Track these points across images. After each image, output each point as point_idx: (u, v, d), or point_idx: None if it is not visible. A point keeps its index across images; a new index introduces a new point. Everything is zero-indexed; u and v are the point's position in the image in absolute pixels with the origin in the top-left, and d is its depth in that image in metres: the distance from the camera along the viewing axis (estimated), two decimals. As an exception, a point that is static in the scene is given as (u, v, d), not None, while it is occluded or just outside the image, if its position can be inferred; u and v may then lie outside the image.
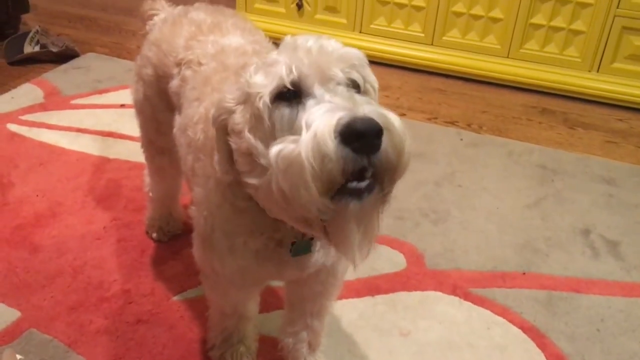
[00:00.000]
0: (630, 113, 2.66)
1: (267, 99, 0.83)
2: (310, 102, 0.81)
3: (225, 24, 1.28)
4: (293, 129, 0.81)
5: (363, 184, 0.77)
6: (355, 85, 0.85)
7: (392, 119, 0.78)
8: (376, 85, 0.90)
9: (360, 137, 0.73)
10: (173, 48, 1.27)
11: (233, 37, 1.24)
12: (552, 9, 2.66)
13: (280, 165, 0.78)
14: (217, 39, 1.22)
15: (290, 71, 0.82)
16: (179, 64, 1.23)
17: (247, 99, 0.87)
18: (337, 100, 0.79)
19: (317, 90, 0.82)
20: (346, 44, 2.76)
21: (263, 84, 0.85)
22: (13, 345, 1.39)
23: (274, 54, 0.88)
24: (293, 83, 0.82)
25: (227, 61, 1.15)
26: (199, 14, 1.34)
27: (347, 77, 0.84)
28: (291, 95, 0.83)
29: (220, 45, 1.20)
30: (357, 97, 0.82)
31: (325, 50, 0.84)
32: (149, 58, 1.36)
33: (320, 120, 0.75)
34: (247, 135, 0.86)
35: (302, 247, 1.02)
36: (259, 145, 0.84)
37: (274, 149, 0.79)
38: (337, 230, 0.81)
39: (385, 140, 0.76)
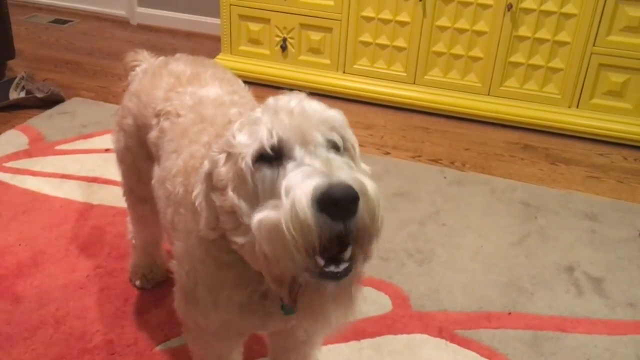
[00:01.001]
0: (610, 147, 2.70)
1: (249, 160, 0.86)
2: (290, 165, 0.83)
3: (205, 75, 1.30)
4: (274, 191, 0.83)
5: (341, 267, 0.80)
6: (335, 146, 0.87)
7: (367, 184, 0.81)
8: (356, 144, 0.93)
9: (336, 203, 0.76)
10: (152, 99, 1.29)
11: (211, 88, 1.25)
12: (530, 47, 2.73)
13: (263, 234, 0.81)
14: (196, 90, 1.24)
15: (271, 135, 0.84)
16: (157, 115, 1.25)
17: (230, 158, 0.89)
18: (316, 164, 0.81)
19: (298, 152, 0.84)
20: (330, 84, 2.80)
21: (246, 144, 0.87)
22: (-8, 402, 1.36)
23: (258, 112, 0.90)
24: (273, 147, 0.84)
25: (204, 112, 1.16)
26: (179, 65, 1.36)
27: (326, 139, 0.86)
28: (272, 157, 0.85)
29: (198, 97, 1.21)
30: (336, 160, 0.84)
31: (306, 113, 0.86)
32: (130, 109, 1.37)
33: (298, 188, 0.78)
34: (231, 194, 0.88)
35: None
36: (243, 205, 0.87)
37: (256, 217, 0.82)
38: (310, 303, 0.84)
39: (360, 205, 0.78)
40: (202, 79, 1.29)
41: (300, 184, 0.78)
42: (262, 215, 0.81)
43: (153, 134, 1.25)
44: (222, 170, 0.90)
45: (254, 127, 0.87)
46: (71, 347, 1.51)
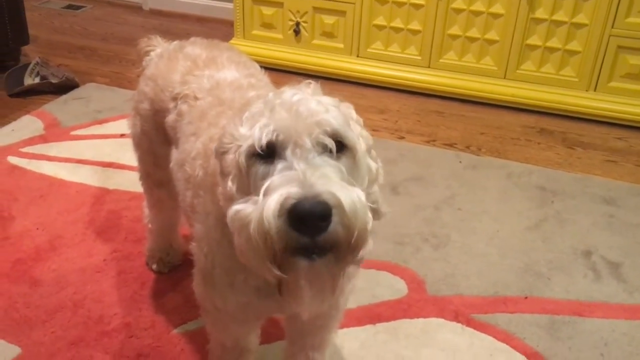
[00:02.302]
0: (629, 131, 2.66)
1: (242, 155, 0.87)
2: (279, 166, 0.83)
3: (221, 58, 1.30)
4: (262, 187, 0.83)
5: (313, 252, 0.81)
6: (330, 150, 0.85)
7: (344, 198, 0.78)
8: (359, 143, 0.90)
9: (303, 219, 0.76)
10: (169, 83, 1.28)
11: (228, 71, 1.25)
12: (547, 29, 2.69)
13: (235, 225, 0.84)
14: (213, 73, 1.24)
15: (263, 135, 0.85)
16: (175, 99, 1.25)
17: (234, 148, 0.90)
18: (300, 170, 0.80)
19: (288, 153, 0.84)
20: (343, 68, 2.77)
21: (244, 137, 0.88)
22: (13, 383, 1.38)
23: (260, 104, 0.90)
24: (264, 146, 0.85)
25: (222, 95, 1.16)
26: (195, 48, 1.36)
27: (318, 142, 0.84)
28: (265, 154, 0.85)
29: (215, 80, 1.21)
30: (323, 168, 0.82)
31: (301, 114, 0.85)
32: (146, 93, 1.37)
33: (273, 195, 0.78)
34: (229, 183, 0.90)
35: None
36: (237, 196, 0.88)
37: (234, 207, 0.84)
38: (288, 285, 0.85)
39: (334, 220, 0.78)
40: (218, 62, 1.28)
41: (276, 190, 0.78)
42: (239, 207, 0.83)
43: (171, 118, 1.25)
44: (229, 157, 0.91)
45: (252, 122, 0.88)
46: (90, 330, 1.53)
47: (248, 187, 0.87)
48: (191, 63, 1.29)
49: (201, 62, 1.29)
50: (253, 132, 0.85)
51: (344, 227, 0.79)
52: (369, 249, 0.85)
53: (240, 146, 0.87)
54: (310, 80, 0.96)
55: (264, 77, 1.32)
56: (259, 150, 0.85)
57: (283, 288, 0.87)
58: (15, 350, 1.47)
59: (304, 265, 0.82)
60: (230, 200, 0.89)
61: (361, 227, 0.80)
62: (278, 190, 0.78)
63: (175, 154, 1.23)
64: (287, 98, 0.88)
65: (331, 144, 0.85)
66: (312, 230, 0.77)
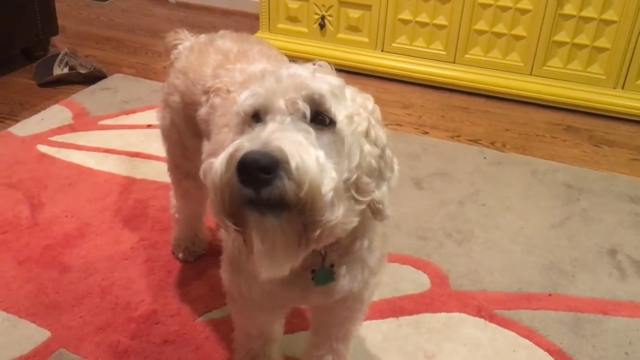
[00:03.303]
0: (656, 130, 2.63)
1: (235, 119, 0.92)
2: (257, 128, 0.86)
3: (252, 52, 1.31)
4: None
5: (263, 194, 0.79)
6: (305, 116, 0.86)
7: (293, 154, 0.78)
8: (357, 120, 0.90)
9: (246, 170, 0.77)
10: (200, 76, 1.30)
11: (259, 64, 1.26)
12: (575, 26, 2.66)
13: (205, 174, 0.87)
14: (244, 67, 1.25)
15: (248, 99, 0.89)
16: (207, 92, 1.26)
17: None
18: (267, 129, 0.82)
19: (267, 118, 0.87)
20: (368, 63, 2.77)
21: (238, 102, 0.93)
22: (43, 365, 1.42)
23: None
24: (248, 110, 0.89)
25: None
26: (225, 42, 1.37)
27: (293, 105, 0.85)
28: (255, 119, 0.89)
29: (247, 73, 1.23)
30: (287, 132, 0.83)
31: (283, 80, 0.87)
32: (176, 86, 1.39)
33: (225, 151, 0.81)
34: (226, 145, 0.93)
35: (323, 275, 1.03)
36: None
37: (207, 161, 0.86)
38: (247, 243, 0.86)
39: (281, 174, 0.77)
40: (249, 55, 1.30)
41: (231, 147, 0.81)
42: (211, 160, 0.85)
43: (203, 111, 1.27)
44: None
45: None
46: (117, 316, 1.56)
47: None
48: (222, 56, 1.31)
49: (232, 55, 1.31)
50: (241, 98, 0.90)
51: (292, 183, 0.77)
52: (334, 217, 0.83)
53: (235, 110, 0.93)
54: (324, 62, 0.96)
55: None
56: (243, 114, 0.88)
57: (248, 248, 0.87)
58: (45, 333, 1.50)
59: (253, 219, 0.81)
60: None
61: (312, 185, 0.78)
62: (231, 147, 0.80)
63: (207, 146, 1.25)
64: (282, 71, 0.90)
65: (304, 107, 0.85)
66: (255, 182, 0.77)
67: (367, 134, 0.91)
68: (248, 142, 0.79)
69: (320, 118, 0.87)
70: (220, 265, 1.21)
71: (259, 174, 0.77)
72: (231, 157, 0.79)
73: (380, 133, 0.94)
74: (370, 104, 0.96)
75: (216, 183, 0.80)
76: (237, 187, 0.79)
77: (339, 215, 0.84)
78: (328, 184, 0.80)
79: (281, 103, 0.85)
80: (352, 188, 0.89)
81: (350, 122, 0.89)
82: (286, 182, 0.77)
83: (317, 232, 0.84)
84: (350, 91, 0.94)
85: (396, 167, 0.98)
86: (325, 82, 0.88)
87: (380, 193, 0.95)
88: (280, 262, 0.86)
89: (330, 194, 0.81)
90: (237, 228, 0.84)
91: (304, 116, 0.85)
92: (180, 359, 1.44)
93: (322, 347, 1.30)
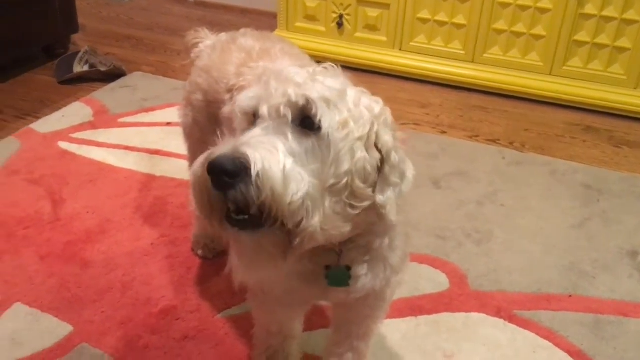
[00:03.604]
0: (678, 131, 2.60)
1: (235, 119, 0.95)
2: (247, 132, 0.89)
3: (274, 50, 1.32)
4: None
5: (239, 217, 0.85)
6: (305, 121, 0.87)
7: (258, 161, 0.80)
8: (354, 127, 0.89)
9: (212, 172, 0.81)
10: (224, 75, 1.31)
11: (282, 62, 1.27)
12: (596, 25, 2.64)
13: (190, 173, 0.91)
14: (267, 65, 1.25)
15: (242, 101, 0.92)
16: (230, 90, 1.27)
17: None
18: (244, 136, 0.86)
19: (257, 121, 0.90)
20: (386, 62, 2.76)
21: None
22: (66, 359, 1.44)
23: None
24: (242, 112, 0.92)
25: None
26: (247, 40, 1.38)
27: (277, 112, 0.87)
28: (251, 120, 0.92)
29: (270, 72, 1.23)
30: (264, 137, 0.85)
31: (273, 85, 0.89)
32: (199, 84, 1.40)
33: (204, 154, 0.85)
34: None
35: (336, 277, 1.04)
36: None
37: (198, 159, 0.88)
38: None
39: (245, 180, 0.80)
40: (272, 54, 1.30)
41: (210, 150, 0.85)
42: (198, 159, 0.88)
43: (226, 109, 1.27)
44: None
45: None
46: (138, 311, 1.58)
47: None
48: (245, 55, 1.32)
49: (255, 53, 1.31)
50: (238, 99, 0.93)
51: (254, 188, 0.80)
52: (311, 224, 0.85)
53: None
54: (332, 64, 0.97)
55: (316, 68, 1.33)
56: (239, 115, 0.92)
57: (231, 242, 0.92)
58: (68, 328, 1.52)
59: (231, 234, 0.87)
60: None
61: (275, 192, 0.81)
62: (210, 150, 0.84)
63: (231, 145, 1.26)
64: (280, 70, 0.92)
65: (287, 113, 0.87)
66: (221, 185, 0.81)
67: (367, 139, 0.91)
68: (223, 146, 0.83)
69: (308, 122, 0.87)
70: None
71: (223, 177, 0.80)
72: (205, 159, 0.83)
73: (386, 137, 0.93)
74: (378, 107, 0.94)
75: (194, 183, 0.86)
76: (208, 187, 0.83)
77: (317, 222, 0.86)
78: (294, 190, 0.82)
79: (265, 109, 0.88)
80: (344, 193, 0.89)
81: (343, 128, 0.88)
82: (250, 187, 0.81)
83: (297, 240, 0.87)
84: (354, 94, 0.92)
85: (410, 172, 0.97)
86: (318, 87, 0.88)
87: (384, 198, 0.94)
88: (258, 270, 0.94)
89: (298, 201, 0.83)
90: (217, 227, 0.89)
91: (288, 121, 0.87)
92: (200, 355, 1.45)
93: (343, 345, 1.30)
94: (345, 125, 0.88)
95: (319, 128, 0.87)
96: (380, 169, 0.93)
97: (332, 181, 0.87)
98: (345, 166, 0.88)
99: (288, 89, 0.87)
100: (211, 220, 0.88)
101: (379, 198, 0.93)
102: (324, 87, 0.89)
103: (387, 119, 0.95)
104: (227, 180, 0.80)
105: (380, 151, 0.92)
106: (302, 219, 0.84)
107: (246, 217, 0.84)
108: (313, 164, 0.86)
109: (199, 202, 0.87)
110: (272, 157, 0.82)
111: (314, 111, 0.87)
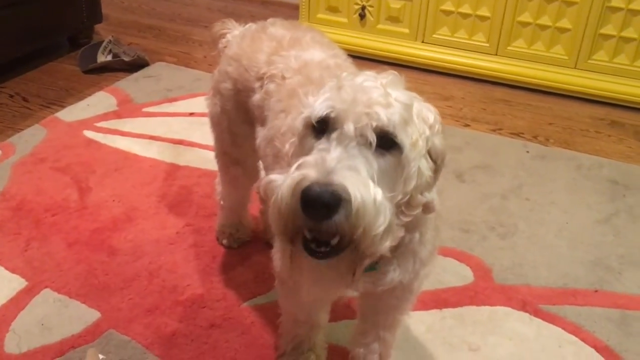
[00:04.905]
0: None
1: (301, 122, 0.93)
2: (321, 145, 0.87)
3: (305, 39, 1.32)
4: None
5: (320, 248, 0.85)
6: (371, 143, 0.86)
7: (355, 194, 0.80)
8: (421, 143, 0.90)
9: (309, 203, 0.80)
10: (254, 63, 1.31)
11: (314, 51, 1.27)
12: (623, 19, 2.60)
13: (267, 193, 0.90)
14: (299, 53, 1.25)
15: (321, 109, 0.89)
16: (261, 78, 1.27)
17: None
18: (332, 155, 0.84)
19: (333, 135, 0.87)
20: (408, 54, 2.75)
21: (309, 106, 0.92)
22: (94, 345, 1.46)
23: (333, 80, 0.94)
24: (319, 119, 0.89)
25: (312, 75, 1.18)
26: (277, 29, 1.38)
27: (361, 133, 0.86)
28: (319, 128, 0.90)
29: (303, 60, 1.23)
30: (351, 160, 0.84)
31: (358, 101, 0.87)
32: (228, 73, 1.40)
33: (294, 174, 0.83)
34: (287, 146, 0.98)
35: None
36: (292, 161, 0.92)
37: (268, 177, 0.89)
38: (295, 261, 0.92)
39: (340, 212, 0.80)
40: (302, 42, 1.30)
41: (300, 170, 0.83)
42: (272, 177, 0.88)
43: (257, 97, 1.28)
44: (297, 122, 0.96)
45: (320, 95, 0.92)
46: (164, 299, 1.59)
47: (301, 154, 0.91)
48: (276, 43, 1.32)
49: (285, 42, 1.31)
50: (314, 104, 0.90)
51: (349, 221, 0.81)
52: (381, 247, 0.87)
53: (302, 114, 0.93)
54: (394, 72, 0.96)
55: (347, 58, 1.33)
56: (313, 122, 0.89)
57: (293, 265, 0.93)
58: (95, 314, 1.54)
59: (306, 256, 0.87)
60: (287, 163, 0.95)
61: (367, 227, 0.82)
62: (301, 170, 0.83)
63: (262, 132, 1.26)
64: (358, 81, 0.90)
65: (372, 138, 0.86)
66: (317, 215, 0.81)
67: (425, 150, 0.93)
68: (313, 171, 0.82)
69: (385, 141, 0.87)
70: (271, 252, 1.22)
71: (321, 209, 0.80)
72: (297, 185, 0.82)
73: (438, 144, 0.94)
74: (432, 115, 0.95)
75: (281, 209, 0.84)
76: (300, 215, 0.82)
77: (387, 245, 0.88)
78: (381, 222, 0.84)
79: (351, 128, 0.86)
80: (404, 205, 0.92)
81: (415, 147, 0.89)
82: (344, 220, 0.81)
83: (365, 262, 0.89)
84: (416, 106, 0.92)
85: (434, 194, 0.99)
86: (398, 108, 0.88)
87: (432, 194, 0.96)
88: (325, 290, 0.97)
89: (380, 233, 0.84)
90: (290, 247, 0.89)
91: (370, 144, 0.86)
92: (227, 343, 1.46)
93: (369, 335, 1.31)
94: (416, 144, 0.89)
95: (396, 148, 0.88)
96: (433, 174, 0.95)
97: (399, 197, 0.90)
98: (413, 183, 0.90)
99: (375, 109, 0.86)
100: (286, 240, 0.89)
101: (428, 196, 0.95)
102: (401, 106, 0.88)
103: (439, 125, 0.96)
104: (325, 212, 0.80)
105: (433, 159, 0.94)
106: (376, 243, 0.86)
107: (328, 249, 0.85)
108: (386, 183, 0.88)
109: (282, 227, 0.86)
110: (366, 191, 0.82)
111: (396, 136, 0.87)
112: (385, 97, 0.88)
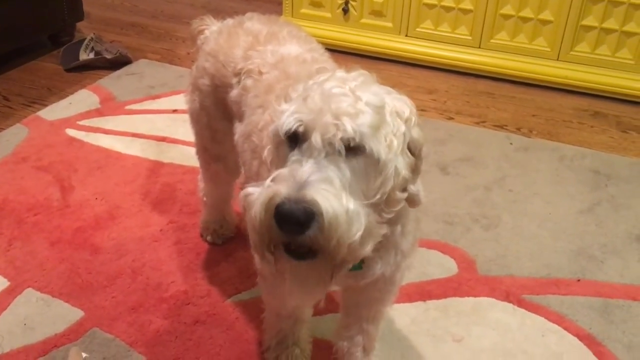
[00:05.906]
0: (686, 116, 2.59)
1: (272, 133, 0.94)
2: (294, 157, 0.88)
3: (281, 34, 1.31)
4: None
5: (301, 250, 0.86)
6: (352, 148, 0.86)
7: (327, 209, 0.81)
8: (396, 141, 0.90)
9: (282, 220, 0.82)
10: (231, 59, 1.30)
11: (290, 45, 1.26)
12: (604, 10, 2.62)
13: (244, 205, 0.91)
14: (276, 48, 1.25)
15: (289, 122, 0.89)
16: (238, 74, 1.27)
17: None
18: (303, 168, 0.84)
19: (304, 147, 0.87)
20: (392, 48, 2.75)
21: (280, 114, 0.92)
22: (78, 344, 1.45)
23: (302, 87, 0.94)
24: (288, 133, 0.89)
25: (288, 70, 1.17)
26: (254, 24, 1.37)
27: (329, 143, 0.85)
28: (292, 138, 0.90)
29: (279, 55, 1.23)
30: (323, 172, 0.84)
31: (325, 112, 0.86)
32: (206, 69, 1.39)
33: (265, 192, 0.84)
34: (265, 153, 0.98)
35: None
36: (272, 168, 0.94)
37: (245, 190, 0.89)
38: (279, 270, 0.93)
39: (314, 226, 0.81)
40: (279, 37, 1.30)
41: (273, 185, 0.84)
42: (249, 191, 0.89)
43: (234, 93, 1.27)
44: (270, 131, 0.97)
45: (291, 103, 0.92)
46: (149, 296, 1.58)
47: (278, 162, 0.93)
48: (252, 38, 1.31)
49: (262, 37, 1.31)
50: (282, 117, 0.90)
51: (323, 234, 0.82)
52: (361, 253, 0.88)
53: (273, 123, 0.94)
54: (364, 71, 0.96)
55: (324, 52, 1.33)
56: (282, 136, 0.90)
57: (278, 273, 0.94)
58: (79, 313, 1.53)
59: (287, 261, 0.88)
60: (267, 169, 0.97)
61: (340, 238, 0.83)
62: (273, 186, 0.84)
63: (240, 127, 1.26)
64: (326, 89, 0.89)
65: (340, 147, 0.85)
66: (291, 231, 0.82)
67: (403, 146, 0.92)
68: (285, 187, 0.82)
69: (356, 147, 0.87)
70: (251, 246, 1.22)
71: (294, 225, 0.81)
72: (269, 201, 0.83)
73: (416, 136, 0.94)
74: (407, 108, 0.94)
75: (256, 226, 0.86)
76: (275, 230, 0.84)
77: (369, 249, 0.89)
78: (355, 231, 0.84)
79: (318, 140, 0.86)
80: (383, 204, 0.92)
81: (390, 149, 0.89)
82: (318, 233, 0.82)
83: (346, 264, 0.89)
84: (389, 103, 0.91)
85: (420, 186, 1.00)
86: (367, 114, 0.87)
87: (416, 187, 0.97)
88: (309, 293, 0.97)
89: (358, 239, 0.85)
90: (271, 258, 0.90)
91: (341, 153, 0.86)
92: (211, 339, 1.46)
93: (353, 328, 1.31)
94: (390, 146, 0.89)
95: (367, 151, 0.87)
96: (413, 168, 0.95)
97: (377, 197, 0.90)
98: (391, 183, 0.90)
99: (343, 120, 0.85)
100: (264, 251, 0.89)
101: (412, 189, 0.96)
102: (371, 112, 0.87)
103: (415, 118, 0.95)
104: (297, 228, 0.81)
105: (412, 151, 0.94)
106: (355, 250, 0.86)
107: (306, 251, 0.86)
108: (360, 184, 0.88)
109: (259, 242, 0.88)
110: (338, 202, 0.82)
111: (365, 144, 0.87)
112: (353, 105, 0.87)
